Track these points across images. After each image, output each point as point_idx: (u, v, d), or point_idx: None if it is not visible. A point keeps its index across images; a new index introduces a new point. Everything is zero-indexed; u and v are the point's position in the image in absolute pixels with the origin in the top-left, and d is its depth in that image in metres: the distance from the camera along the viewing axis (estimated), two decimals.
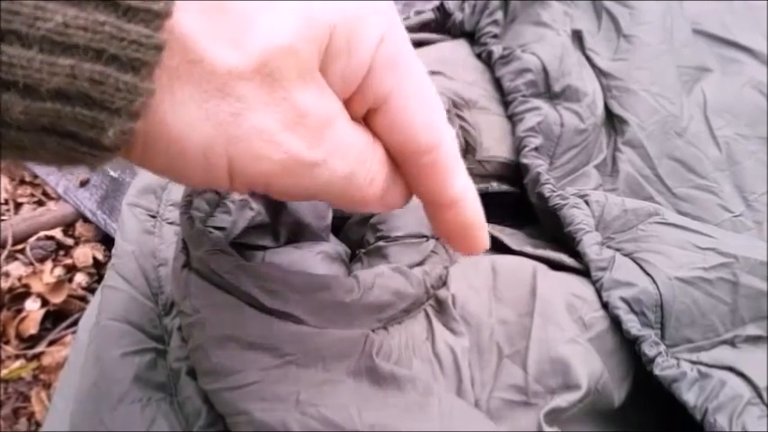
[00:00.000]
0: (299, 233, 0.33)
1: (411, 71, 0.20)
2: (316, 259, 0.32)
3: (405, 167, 0.22)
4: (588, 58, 0.45)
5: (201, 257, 0.27)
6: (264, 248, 0.32)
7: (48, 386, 0.46)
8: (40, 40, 0.14)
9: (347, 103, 0.20)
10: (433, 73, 0.39)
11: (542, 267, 0.35)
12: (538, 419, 0.28)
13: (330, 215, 0.34)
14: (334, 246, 0.33)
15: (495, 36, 0.44)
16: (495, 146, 0.39)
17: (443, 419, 0.26)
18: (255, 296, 0.26)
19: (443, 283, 0.35)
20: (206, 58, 0.16)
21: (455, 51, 0.43)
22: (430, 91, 0.21)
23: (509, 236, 0.38)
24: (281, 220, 0.32)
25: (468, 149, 0.39)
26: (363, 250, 0.34)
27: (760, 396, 0.30)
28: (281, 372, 0.25)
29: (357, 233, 0.36)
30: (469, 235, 0.24)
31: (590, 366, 0.30)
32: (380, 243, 0.34)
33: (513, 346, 0.31)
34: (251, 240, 0.32)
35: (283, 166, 0.18)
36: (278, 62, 0.17)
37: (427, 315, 0.33)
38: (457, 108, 0.38)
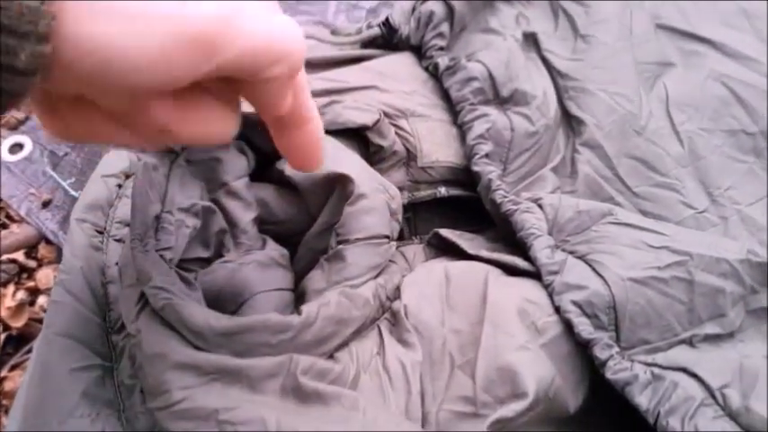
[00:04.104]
0: (225, 240, 0.32)
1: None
2: (248, 269, 0.31)
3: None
4: (545, 59, 0.44)
5: (146, 291, 0.27)
6: (200, 261, 0.32)
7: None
8: None
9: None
10: (366, 88, 0.39)
11: (495, 272, 0.34)
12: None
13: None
14: (266, 252, 0.33)
15: (440, 48, 0.43)
16: (438, 150, 0.39)
17: (366, 425, 0.25)
18: (183, 334, 0.26)
19: (399, 293, 0.34)
20: None
21: (393, 64, 0.43)
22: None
23: (467, 240, 0.38)
24: (209, 230, 0.32)
25: (410, 157, 0.38)
26: (325, 256, 0.34)
27: (713, 396, 0.29)
28: (204, 390, 0.24)
29: (322, 242, 0.35)
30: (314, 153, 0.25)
31: (540, 373, 0.29)
32: (340, 247, 0.33)
33: (465, 356, 0.30)
34: (188, 254, 0.31)
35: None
36: None
37: (379, 330, 0.32)
38: (390, 118, 0.38)
